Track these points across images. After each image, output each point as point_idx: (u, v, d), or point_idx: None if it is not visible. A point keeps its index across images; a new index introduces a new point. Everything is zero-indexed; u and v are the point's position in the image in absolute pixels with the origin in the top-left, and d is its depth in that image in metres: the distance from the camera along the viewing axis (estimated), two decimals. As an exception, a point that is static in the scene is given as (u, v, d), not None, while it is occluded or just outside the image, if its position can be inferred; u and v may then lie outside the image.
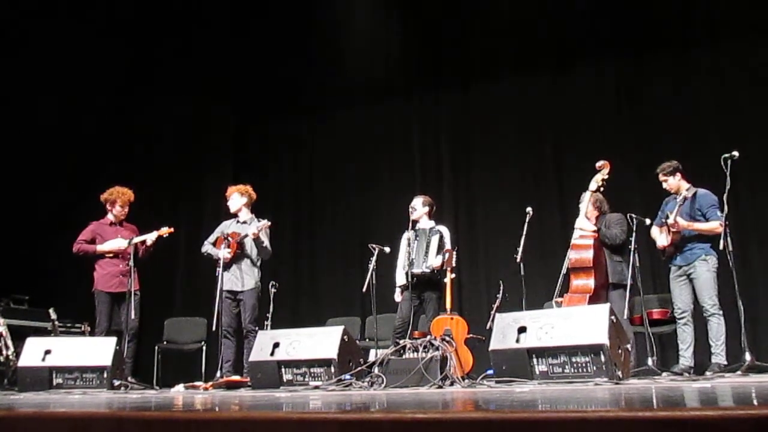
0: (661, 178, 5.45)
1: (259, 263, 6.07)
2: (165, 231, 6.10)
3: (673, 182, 5.40)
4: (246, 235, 5.92)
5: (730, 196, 4.93)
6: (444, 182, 8.02)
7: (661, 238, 5.38)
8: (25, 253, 7.70)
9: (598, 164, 5.42)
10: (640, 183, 6.70)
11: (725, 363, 4.99)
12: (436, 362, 4.45)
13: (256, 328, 5.80)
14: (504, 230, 7.08)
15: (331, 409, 2.43)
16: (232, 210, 6.19)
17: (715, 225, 5.09)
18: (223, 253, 5.86)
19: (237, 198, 6.14)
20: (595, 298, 5.04)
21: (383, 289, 5.95)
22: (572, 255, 5.24)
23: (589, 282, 5.13)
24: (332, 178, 8.74)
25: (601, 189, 5.42)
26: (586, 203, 5.44)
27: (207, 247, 6.09)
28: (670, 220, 5.17)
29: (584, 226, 5.39)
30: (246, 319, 5.89)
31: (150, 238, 6.05)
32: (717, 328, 5.07)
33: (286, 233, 8.20)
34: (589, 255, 5.17)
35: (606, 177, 5.37)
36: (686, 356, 5.22)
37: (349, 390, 4.33)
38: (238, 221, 6.17)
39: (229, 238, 5.96)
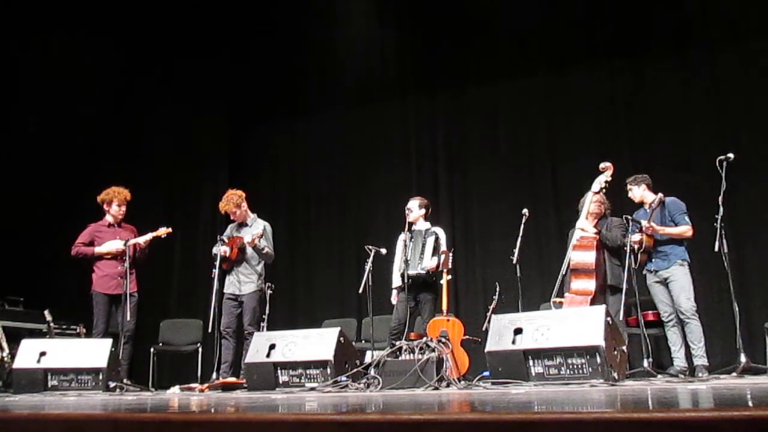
0: (628, 187, 5.60)
1: (260, 266, 6.06)
2: (163, 232, 6.08)
3: (638, 192, 5.55)
4: (244, 244, 5.93)
5: (725, 198, 4.95)
6: (440, 184, 8.03)
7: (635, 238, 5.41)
8: (20, 254, 7.67)
9: (602, 166, 5.44)
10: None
11: (707, 364, 5.09)
12: (433, 364, 4.45)
13: (256, 330, 5.80)
14: (500, 232, 7.10)
15: (328, 410, 2.42)
16: (240, 221, 6.17)
17: (685, 229, 5.31)
18: (222, 249, 5.87)
19: (238, 210, 6.09)
20: (593, 301, 5.04)
21: (379, 290, 5.95)
22: (574, 256, 5.24)
23: (590, 284, 5.14)
24: (328, 179, 8.74)
25: (604, 191, 5.44)
26: (588, 204, 5.44)
27: (214, 249, 6.08)
28: (645, 224, 5.23)
29: (586, 227, 5.39)
30: (246, 321, 5.90)
31: (143, 239, 6.04)
32: (697, 330, 5.17)
33: (282, 235, 8.18)
34: (591, 257, 5.18)
35: (609, 179, 5.40)
36: (679, 357, 5.27)
37: (346, 391, 4.33)
38: (241, 224, 6.17)
39: (226, 240, 5.97)
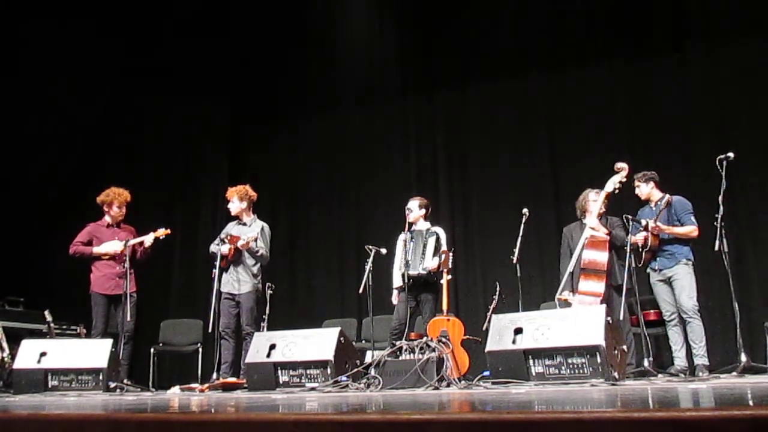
0: (635, 183, 5.56)
1: (257, 267, 6.05)
2: (162, 232, 6.08)
3: (646, 189, 5.52)
4: (239, 245, 5.91)
5: (725, 197, 4.95)
6: (440, 183, 8.03)
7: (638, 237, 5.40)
8: (20, 255, 7.68)
9: (618, 166, 5.42)
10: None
11: (707, 363, 5.09)
12: (433, 363, 4.45)
13: (254, 330, 5.80)
14: (500, 231, 7.09)
15: (328, 410, 2.42)
16: (233, 213, 6.17)
17: (690, 229, 5.29)
18: (224, 248, 5.87)
19: (236, 202, 6.11)
20: (603, 302, 5.00)
21: (379, 290, 5.95)
22: (586, 255, 5.22)
23: (600, 286, 5.15)
24: (328, 179, 8.74)
25: (616, 191, 5.43)
26: (600, 203, 5.42)
27: (212, 247, 6.07)
28: (652, 224, 5.22)
29: (598, 227, 5.37)
30: (244, 320, 5.89)
31: (147, 239, 6.04)
32: (699, 330, 5.17)
33: (282, 235, 8.19)
34: (604, 258, 5.18)
35: (624, 180, 5.39)
36: (680, 357, 5.27)
37: (346, 391, 4.32)
38: (239, 223, 6.16)
39: (226, 240, 5.96)
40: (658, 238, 5.33)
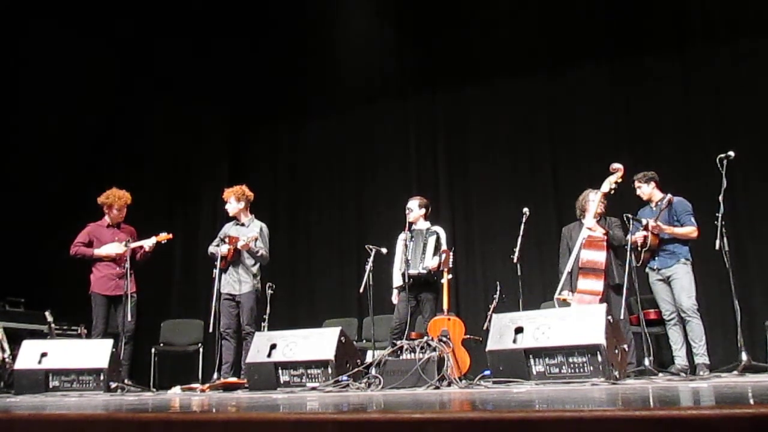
0: (636, 184, 5.59)
1: (256, 267, 6.06)
2: (164, 237, 6.09)
3: (647, 190, 5.54)
4: (240, 245, 5.90)
5: (725, 196, 4.95)
6: (440, 183, 8.03)
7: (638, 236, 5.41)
8: (21, 255, 7.68)
9: (614, 166, 5.44)
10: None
11: (708, 362, 5.11)
12: (434, 363, 4.45)
13: (254, 330, 5.80)
14: (501, 231, 7.10)
15: (329, 410, 2.42)
16: (231, 214, 6.17)
17: (690, 230, 5.33)
18: (224, 248, 5.87)
19: (234, 203, 6.11)
20: (602, 301, 5.04)
21: (380, 290, 5.95)
22: (584, 255, 5.24)
23: (598, 284, 5.17)
24: (328, 179, 8.74)
25: (612, 192, 5.44)
26: (597, 204, 5.44)
27: (211, 248, 6.08)
28: (652, 223, 5.23)
29: (595, 227, 5.39)
30: (244, 320, 5.89)
31: (148, 243, 6.04)
32: (698, 329, 5.19)
33: (283, 235, 8.20)
34: (602, 257, 5.21)
35: (620, 180, 5.41)
36: (681, 356, 5.29)
37: (347, 391, 4.33)
38: (237, 224, 6.16)
39: (225, 241, 5.96)
40: (657, 238, 5.35)
